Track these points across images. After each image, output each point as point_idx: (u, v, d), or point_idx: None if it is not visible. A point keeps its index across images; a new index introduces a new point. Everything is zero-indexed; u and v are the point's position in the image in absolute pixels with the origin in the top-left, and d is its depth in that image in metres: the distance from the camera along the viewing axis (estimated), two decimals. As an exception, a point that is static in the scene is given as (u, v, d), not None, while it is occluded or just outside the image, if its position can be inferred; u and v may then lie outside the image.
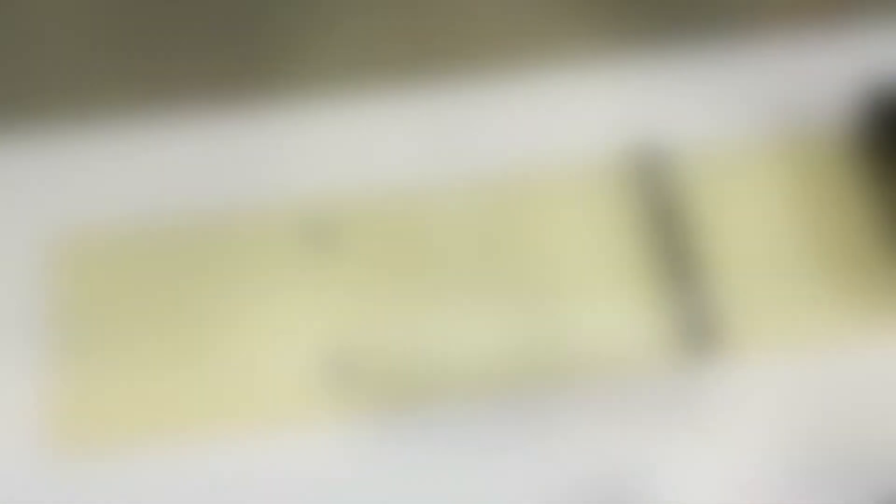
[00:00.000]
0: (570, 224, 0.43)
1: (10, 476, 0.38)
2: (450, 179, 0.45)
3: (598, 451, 0.39)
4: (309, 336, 0.41)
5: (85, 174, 0.45)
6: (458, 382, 0.40)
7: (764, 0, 0.49)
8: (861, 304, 0.41)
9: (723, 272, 0.42)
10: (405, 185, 0.44)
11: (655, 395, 0.40)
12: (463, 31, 1.10)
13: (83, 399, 0.40)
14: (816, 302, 0.41)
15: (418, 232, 0.43)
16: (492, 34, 1.12)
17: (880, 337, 0.41)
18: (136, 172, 0.45)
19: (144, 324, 0.41)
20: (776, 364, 0.41)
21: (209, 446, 0.39)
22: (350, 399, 0.40)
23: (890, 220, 0.42)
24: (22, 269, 0.43)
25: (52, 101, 0.47)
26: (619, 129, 0.46)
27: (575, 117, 0.47)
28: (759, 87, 0.47)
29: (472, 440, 0.39)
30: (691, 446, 0.39)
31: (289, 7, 0.52)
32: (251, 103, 0.49)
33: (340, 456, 0.39)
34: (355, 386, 0.40)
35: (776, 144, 0.45)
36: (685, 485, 0.38)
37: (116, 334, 0.41)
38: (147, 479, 0.38)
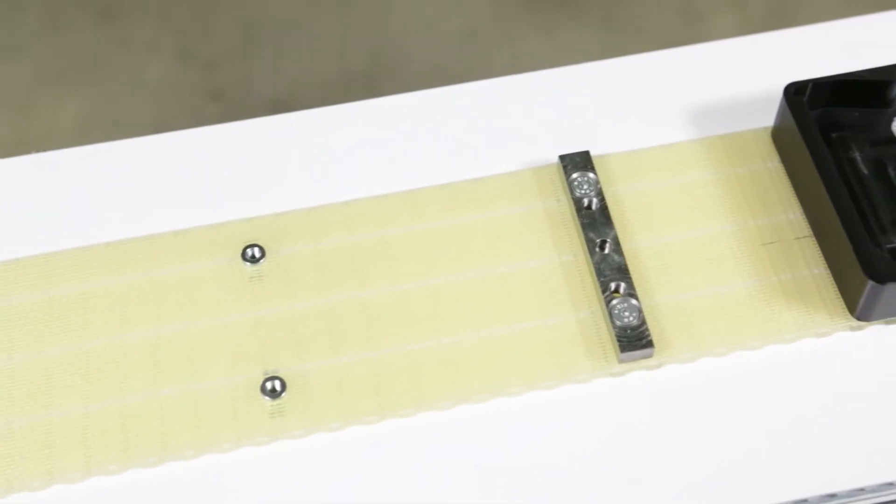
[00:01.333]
0: (508, 230, 0.44)
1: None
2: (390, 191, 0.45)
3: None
4: (248, 355, 0.41)
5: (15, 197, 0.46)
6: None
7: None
8: (789, 301, 0.42)
9: (653, 274, 0.43)
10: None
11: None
12: (397, 48, 1.10)
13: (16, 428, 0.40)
14: (745, 300, 0.42)
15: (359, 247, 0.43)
16: (429, 47, 1.12)
17: (810, 331, 0.42)
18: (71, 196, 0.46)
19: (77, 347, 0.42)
20: (708, 363, 0.41)
21: (153, 466, 0.39)
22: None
23: (808, 210, 0.43)
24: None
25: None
26: (552, 136, 0.47)
27: (510, 124, 0.47)
28: (685, 89, 0.48)
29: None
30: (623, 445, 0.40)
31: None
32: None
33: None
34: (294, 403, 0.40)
35: (703, 144, 0.46)
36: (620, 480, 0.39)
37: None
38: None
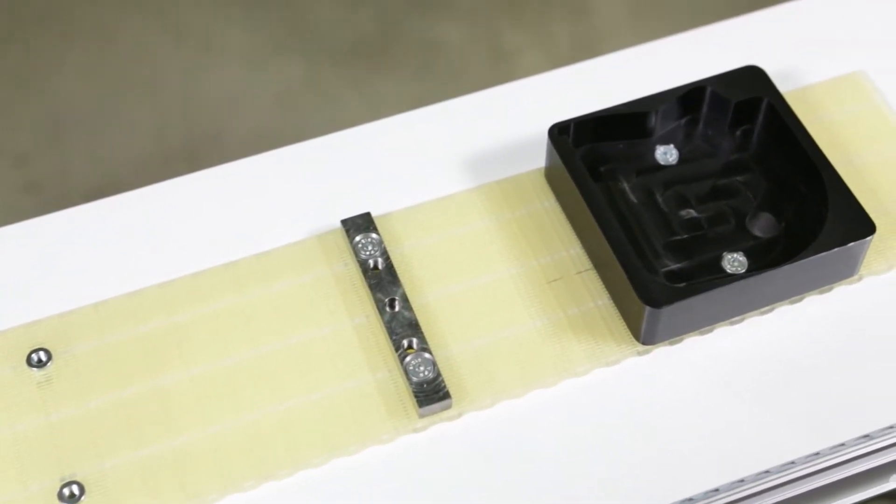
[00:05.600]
0: (298, 300, 0.44)
1: None
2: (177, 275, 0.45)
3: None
4: (42, 463, 0.40)
5: None
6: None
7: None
8: (578, 335, 0.43)
9: (445, 325, 0.43)
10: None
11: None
12: (213, 119, 1.09)
13: None
14: (537, 339, 0.43)
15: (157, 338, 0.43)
16: (245, 114, 1.11)
17: (600, 361, 0.43)
18: None
19: None
20: (507, 405, 0.42)
21: None
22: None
23: (586, 244, 0.45)
24: None
25: None
26: (336, 200, 0.47)
27: (295, 192, 0.47)
28: (463, 138, 0.49)
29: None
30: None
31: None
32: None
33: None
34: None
35: (482, 191, 0.47)
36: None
37: None
38: None
